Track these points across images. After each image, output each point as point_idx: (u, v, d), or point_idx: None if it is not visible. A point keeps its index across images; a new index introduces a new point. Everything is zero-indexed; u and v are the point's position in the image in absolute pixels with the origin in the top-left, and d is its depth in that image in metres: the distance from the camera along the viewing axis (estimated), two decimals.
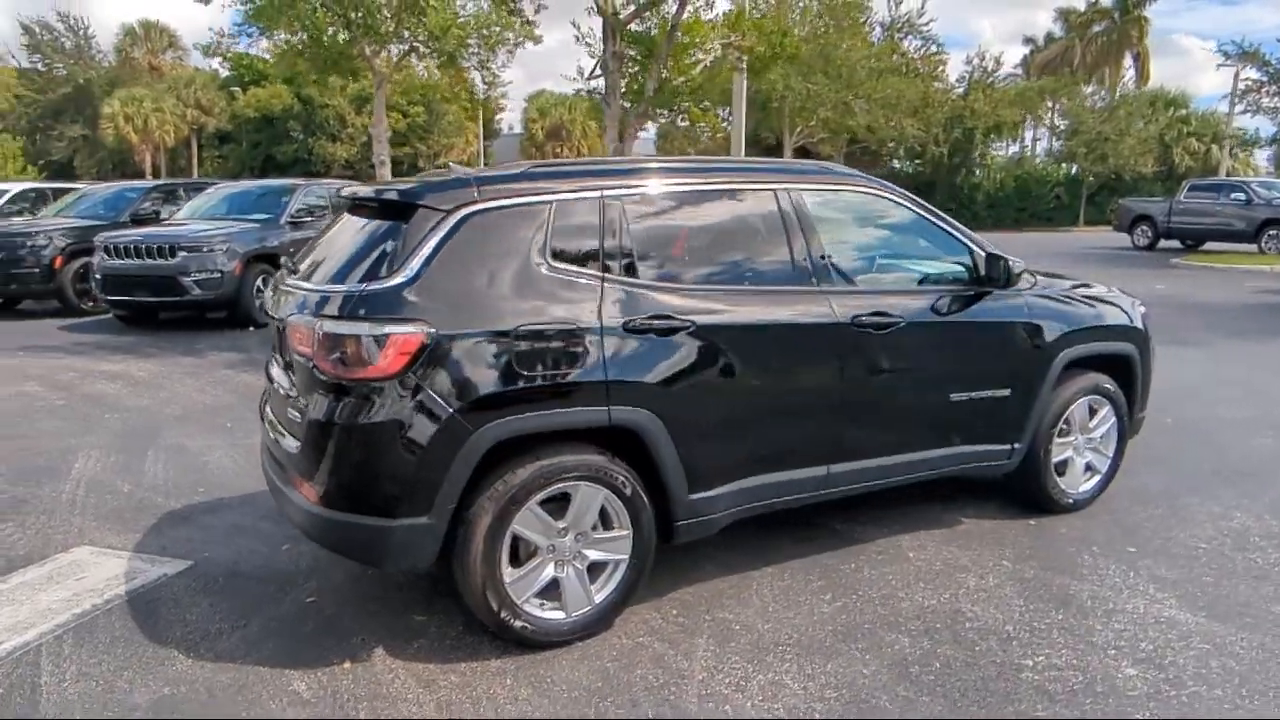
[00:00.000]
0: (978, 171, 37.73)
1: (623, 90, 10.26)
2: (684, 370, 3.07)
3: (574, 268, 2.97)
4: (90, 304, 11.09)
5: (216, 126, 46.29)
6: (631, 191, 3.16)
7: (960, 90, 35.55)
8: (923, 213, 3.79)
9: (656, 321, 3.02)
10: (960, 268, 3.81)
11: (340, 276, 2.88)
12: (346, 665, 2.92)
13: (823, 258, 3.44)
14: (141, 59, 47.35)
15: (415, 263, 2.78)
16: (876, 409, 3.59)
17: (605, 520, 3.07)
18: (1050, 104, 40.27)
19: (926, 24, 29.20)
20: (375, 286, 2.76)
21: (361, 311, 2.71)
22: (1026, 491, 4.19)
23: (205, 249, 9.68)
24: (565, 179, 3.10)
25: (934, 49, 31.99)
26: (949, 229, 3.83)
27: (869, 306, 3.45)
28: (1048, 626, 3.15)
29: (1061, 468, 4.20)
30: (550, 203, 3.00)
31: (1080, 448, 4.24)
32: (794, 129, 22.73)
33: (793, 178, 3.51)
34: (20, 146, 42.76)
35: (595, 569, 3.09)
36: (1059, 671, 2.86)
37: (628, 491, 3.02)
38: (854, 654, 2.98)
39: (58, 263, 11.01)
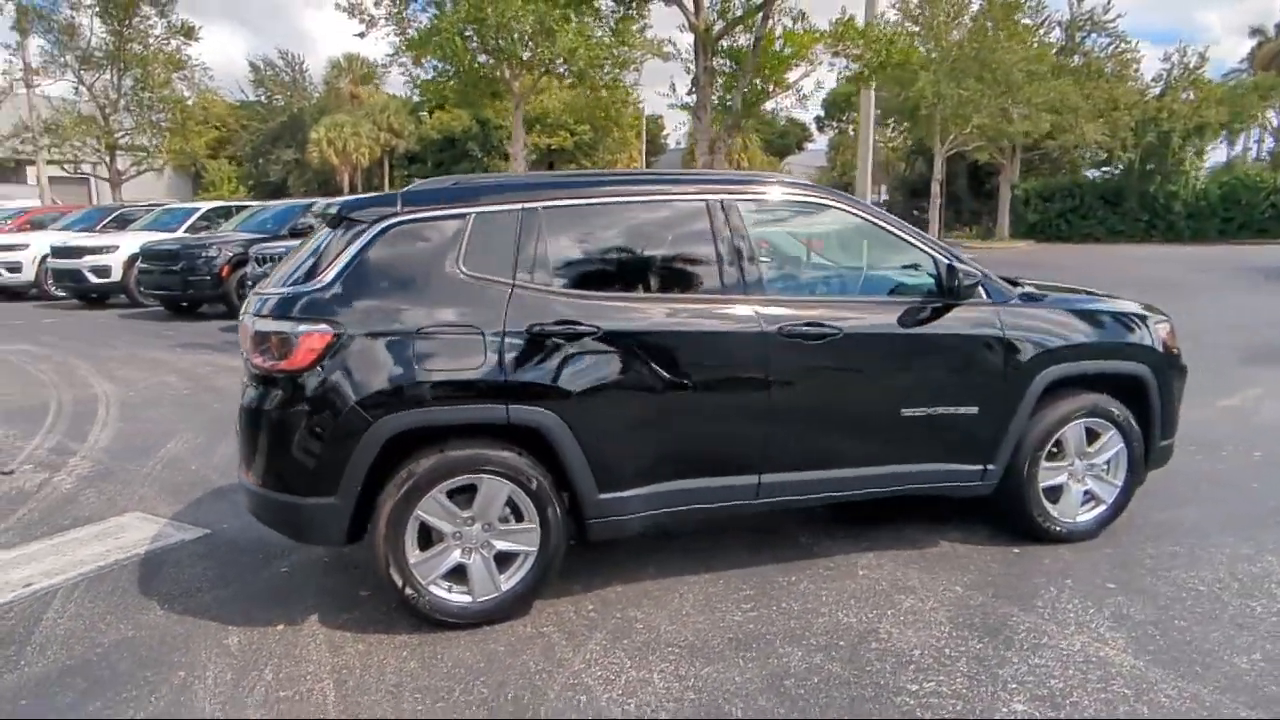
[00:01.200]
0: (1175, 178, 34.29)
1: (714, 104, 10.35)
2: (590, 374, 3.21)
3: (486, 275, 3.19)
4: None
5: (406, 148, 50.31)
6: (554, 204, 3.34)
7: (1157, 90, 32.50)
8: (882, 224, 3.70)
9: (560, 327, 3.18)
10: (922, 279, 3.68)
11: (284, 282, 3.25)
12: (280, 627, 3.28)
13: (754, 267, 3.46)
14: (344, 88, 52.34)
15: (336, 269, 3.11)
16: (812, 421, 3.54)
17: (517, 513, 3.25)
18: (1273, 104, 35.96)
19: (1113, 20, 27.02)
20: (300, 290, 3.12)
21: (284, 312, 3.07)
22: (1011, 517, 3.95)
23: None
24: (491, 193, 3.33)
25: (1123, 46, 29.55)
26: (912, 241, 3.71)
27: (801, 317, 3.43)
28: (958, 655, 3.01)
29: (1054, 494, 3.93)
30: (469, 215, 3.24)
31: (1078, 474, 3.94)
32: (946, 136, 21.72)
33: (730, 188, 3.55)
34: (234, 170, 48.40)
35: (506, 559, 3.28)
36: (939, 699, 2.75)
37: (533, 486, 3.19)
38: (737, 662, 2.99)
39: (224, 271, 12.31)
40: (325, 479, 3.05)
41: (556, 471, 3.24)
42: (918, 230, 3.79)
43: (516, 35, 14.25)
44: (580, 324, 3.20)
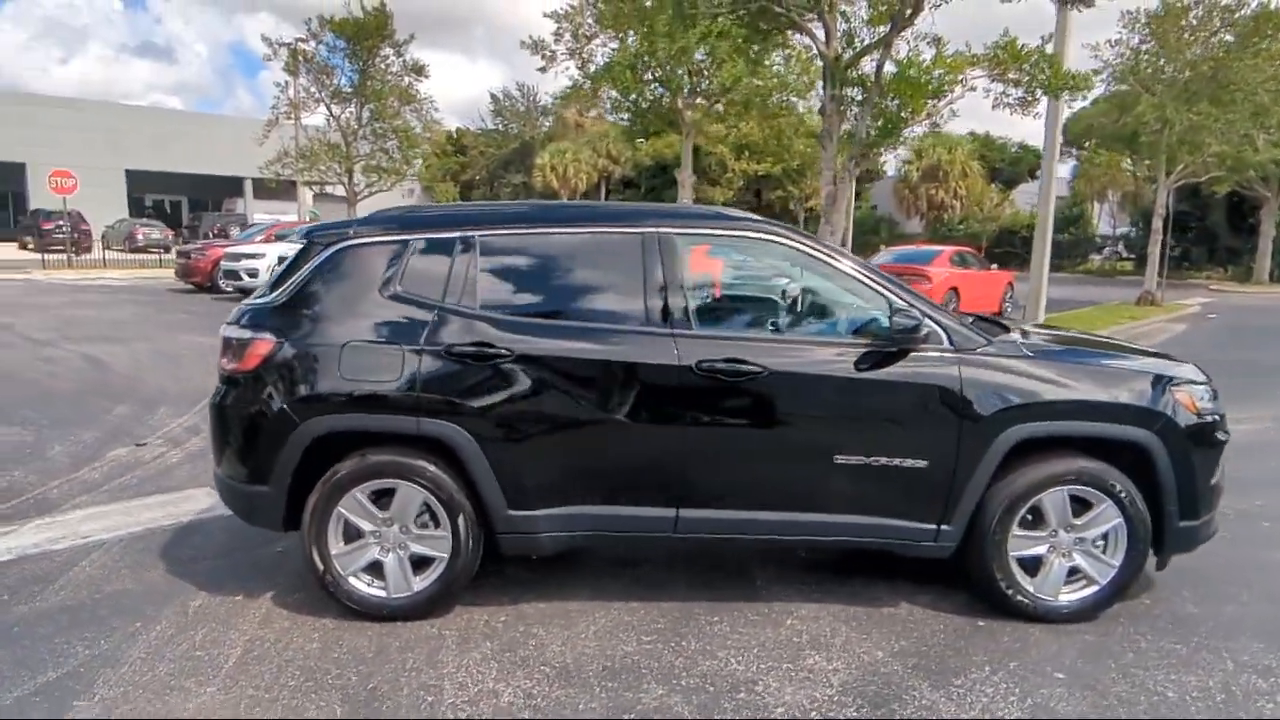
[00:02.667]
0: None
1: (840, 135, 9.96)
2: (497, 393, 3.37)
3: (418, 296, 3.46)
4: None
5: (621, 173, 52.57)
6: (489, 234, 3.55)
7: None
8: (832, 262, 3.55)
9: (474, 348, 3.37)
10: (871, 321, 3.49)
11: (258, 295, 3.71)
12: (238, 598, 3.72)
13: (681, 301, 3.46)
14: (570, 117, 55.84)
15: (291, 285, 3.52)
16: (734, 461, 3.47)
17: (435, 520, 3.48)
18: None
19: None
20: (259, 302, 3.55)
21: (242, 321, 3.52)
22: (979, 587, 3.61)
23: None
24: (434, 222, 3.61)
25: None
26: (863, 281, 3.52)
27: (723, 353, 3.38)
28: (749, 711, 2.84)
29: (1032, 566, 3.54)
30: (408, 241, 3.53)
31: (1062, 547, 3.52)
32: (1173, 165, 19.39)
33: (671, 223, 3.56)
34: (473, 193, 52.92)
35: (425, 562, 3.51)
36: None
37: (445, 496, 3.40)
38: (595, 690, 3.01)
39: None
40: (262, 470, 3.44)
41: (470, 484, 3.43)
42: (873, 271, 3.59)
43: (685, 68, 14.64)
44: (494, 346, 3.38)
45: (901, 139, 10.69)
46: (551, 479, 3.44)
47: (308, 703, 2.90)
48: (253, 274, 17.54)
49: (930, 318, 3.45)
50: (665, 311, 3.44)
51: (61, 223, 28.81)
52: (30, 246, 31.65)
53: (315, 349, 3.41)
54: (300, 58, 24.54)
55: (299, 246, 3.66)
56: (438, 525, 3.47)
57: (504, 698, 2.95)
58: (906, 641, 3.39)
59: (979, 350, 3.46)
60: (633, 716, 2.85)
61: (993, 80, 10.35)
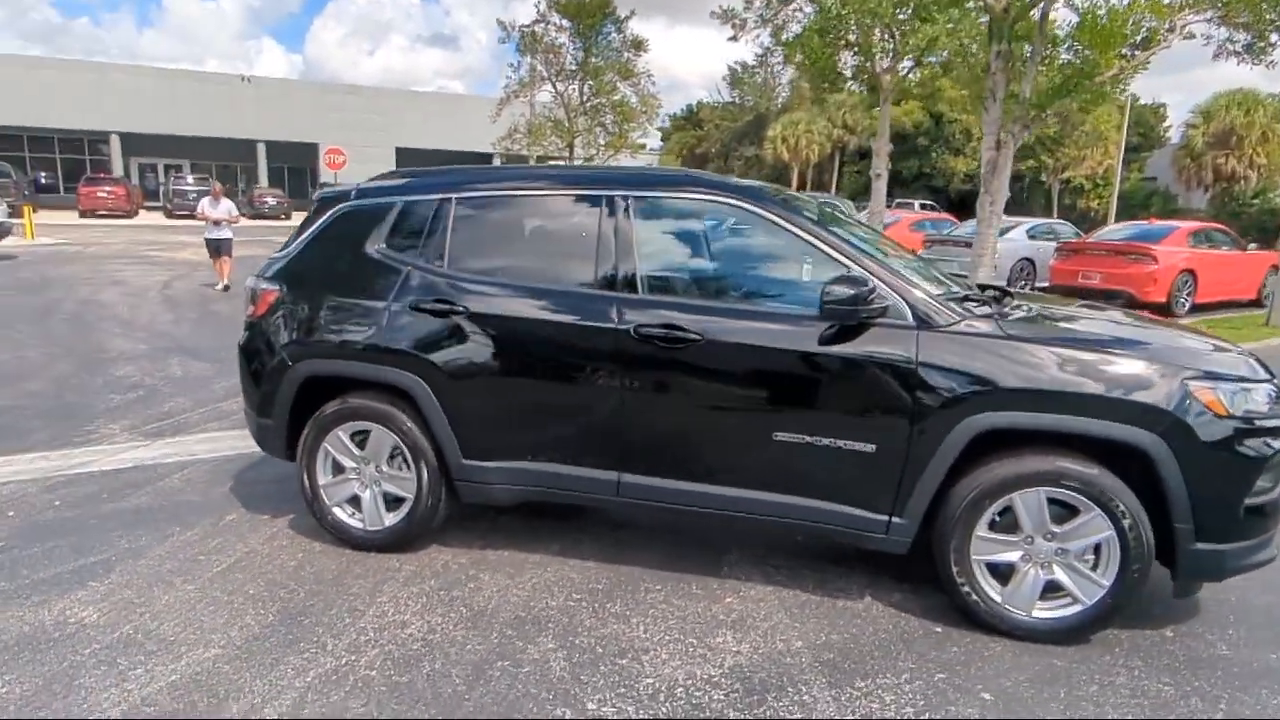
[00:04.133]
0: None
1: (1004, 94, 8.72)
2: (452, 348, 3.56)
3: (395, 255, 3.72)
4: None
5: (858, 144, 50.53)
6: (464, 196, 3.72)
7: None
8: (797, 230, 3.32)
9: (435, 304, 3.58)
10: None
11: (278, 250, 4.14)
12: (265, 516, 4.24)
13: (632, 265, 3.42)
14: (806, 87, 54.44)
15: (300, 242, 3.93)
16: (671, 429, 3.39)
17: (406, 462, 3.75)
18: None
19: None
20: (277, 256, 3.99)
21: (260, 273, 3.98)
22: (945, 589, 3.27)
23: None
24: (421, 186, 3.83)
25: None
26: (827, 251, 3.27)
27: (662, 319, 3.31)
28: (617, 677, 2.76)
29: (1002, 574, 3.15)
30: (397, 203, 3.80)
31: (1039, 557, 3.10)
32: None
33: (628, 187, 3.52)
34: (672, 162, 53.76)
35: (397, 500, 3.80)
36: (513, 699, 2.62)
37: (409, 441, 3.67)
38: (489, 635, 3.13)
39: None
40: (267, 404, 3.89)
41: (430, 432, 3.66)
42: (843, 238, 3.31)
43: (878, 30, 13.84)
44: (452, 303, 3.56)
45: (1090, 96, 9.27)
46: (501, 433, 3.57)
47: (251, 608, 3.29)
48: None
49: (893, 289, 3.15)
50: (613, 276, 3.43)
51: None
52: None
53: (309, 300, 3.78)
54: (531, 39, 26.15)
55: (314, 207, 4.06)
56: (407, 468, 3.73)
57: (407, 630, 3.16)
58: (839, 636, 3.16)
59: (946, 327, 3.10)
60: (505, 664, 2.94)
61: (1217, 24, 8.71)
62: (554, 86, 25.58)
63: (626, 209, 3.47)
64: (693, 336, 3.26)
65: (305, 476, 3.84)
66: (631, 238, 3.45)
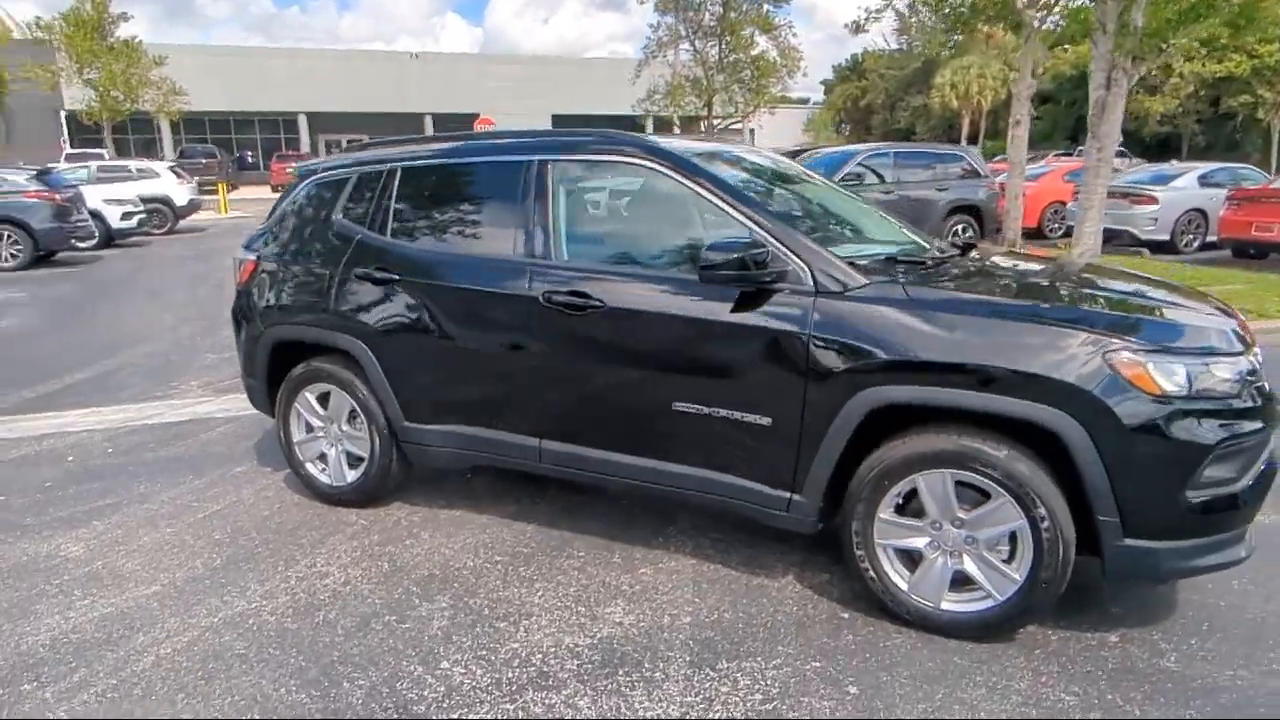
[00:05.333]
0: None
1: (1113, 27, 7.42)
2: (389, 314, 3.68)
3: (349, 224, 3.88)
4: None
5: (1039, 87, 46.37)
6: (407, 164, 3.80)
7: None
8: (706, 191, 3.13)
9: (374, 271, 3.71)
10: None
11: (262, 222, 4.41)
12: (268, 469, 4.60)
13: (546, 232, 3.38)
14: (981, 30, 50.36)
15: (276, 214, 4.18)
16: (581, 396, 3.34)
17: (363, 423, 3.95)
18: None
19: None
20: (258, 228, 4.26)
21: (245, 244, 4.27)
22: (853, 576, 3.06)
23: None
24: (375, 156, 3.95)
25: None
26: (732, 213, 3.07)
27: (569, 285, 3.26)
28: (486, 640, 2.77)
29: (910, 560, 2.91)
30: (355, 172, 3.94)
31: (947, 544, 2.82)
32: None
33: (554, 151, 3.45)
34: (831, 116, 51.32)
35: (359, 459, 4.00)
36: (455, 682, 2.69)
37: (361, 402, 3.85)
38: (394, 591, 3.26)
39: None
40: (251, 366, 4.20)
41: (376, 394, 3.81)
42: (753, 201, 3.09)
43: None
44: (388, 270, 3.67)
45: (1239, 7, 7.76)
46: (435, 398, 3.67)
47: (207, 552, 3.60)
48: None
49: (793, 253, 2.93)
50: (531, 242, 3.40)
51: None
52: None
53: (278, 269, 4.03)
54: None
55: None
56: (363, 429, 3.92)
57: (325, 580, 3.35)
58: (733, 614, 3.04)
59: (843, 294, 2.85)
60: (390, 619, 3.05)
61: None
62: (692, 45, 25.20)
63: (544, 174, 3.43)
64: (595, 303, 3.19)
65: (281, 433, 4.13)
66: (548, 203, 3.40)
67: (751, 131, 50.18)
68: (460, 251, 3.59)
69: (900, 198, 12.00)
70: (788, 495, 3.01)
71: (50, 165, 17.67)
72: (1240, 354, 2.63)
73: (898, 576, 2.91)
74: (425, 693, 2.62)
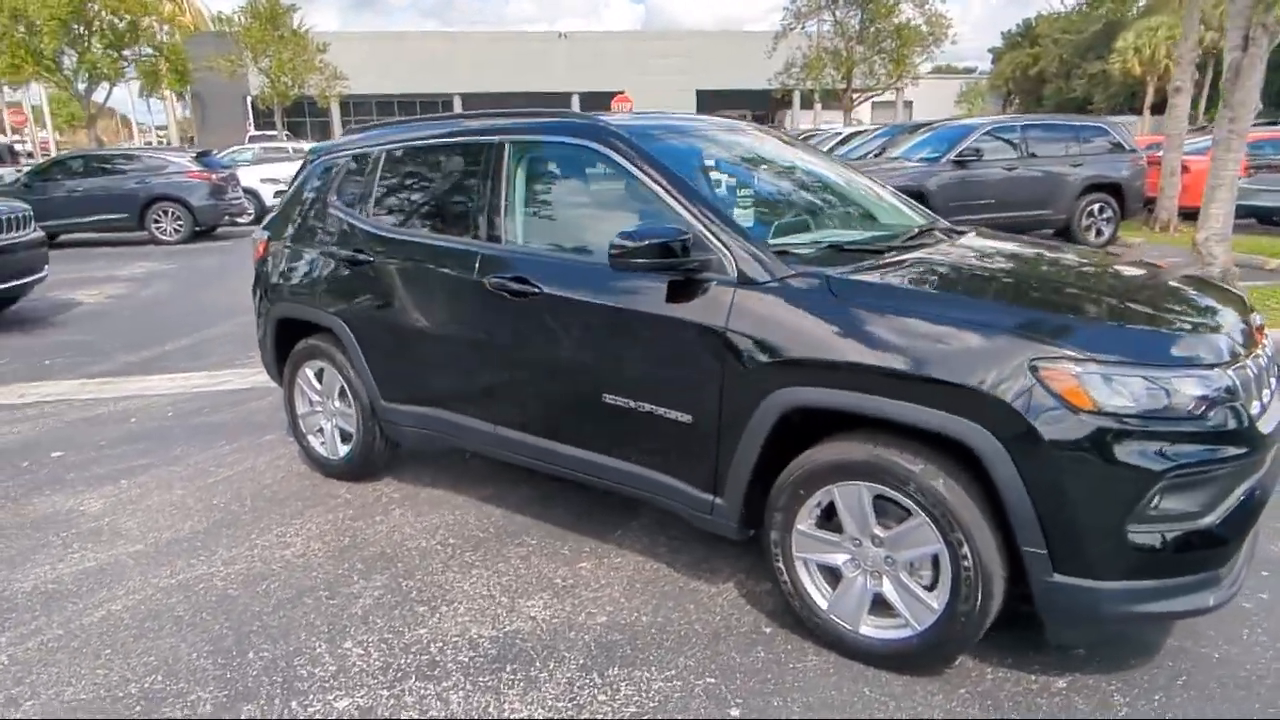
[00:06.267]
0: None
1: None
2: (365, 295, 3.75)
3: (341, 205, 3.98)
4: None
5: (1213, 49, 41.60)
6: (389, 147, 3.84)
7: None
8: (647, 177, 2.94)
9: (354, 253, 3.79)
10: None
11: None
12: (291, 439, 4.84)
13: (499, 215, 3.33)
14: None
15: (287, 195, 4.34)
16: (525, 383, 3.28)
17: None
18: None
19: None
20: (274, 209, 4.45)
21: (261, 225, 4.47)
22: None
23: None
24: (366, 138, 4.02)
25: None
26: (669, 201, 2.87)
27: (511, 271, 3.20)
28: (398, 624, 2.76)
29: (833, 577, 2.67)
30: (348, 156, 4.04)
31: (867, 563, 2.56)
32: None
33: (512, 133, 3.38)
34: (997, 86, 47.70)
35: (349, 435, 4.13)
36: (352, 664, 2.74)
37: (348, 381, 3.97)
38: (339, 567, 3.34)
39: None
40: (264, 341, 4.41)
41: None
42: (689, 186, 2.88)
43: None
44: (363, 252, 3.74)
45: None
46: (403, 378, 3.72)
47: (199, 515, 3.84)
48: None
49: (720, 242, 2.73)
50: (486, 226, 3.36)
51: None
52: None
53: (281, 249, 4.20)
54: None
55: None
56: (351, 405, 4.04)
57: (285, 551, 3.48)
58: (650, 619, 2.91)
59: (762, 285, 2.63)
60: (324, 593, 3.13)
61: None
62: (832, 14, 24.17)
63: (501, 156, 3.36)
64: (533, 289, 3.11)
65: (288, 408, 4.32)
66: (501, 186, 3.34)
67: (909, 105, 47.76)
68: (423, 234, 3.60)
69: (1023, 176, 11.06)
70: (711, 498, 2.83)
71: (208, 148, 19.30)
72: (1223, 366, 2.21)
73: (818, 594, 2.67)
74: (316, 670, 2.67)
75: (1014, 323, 2.28)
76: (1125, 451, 2.13)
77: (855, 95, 24.16)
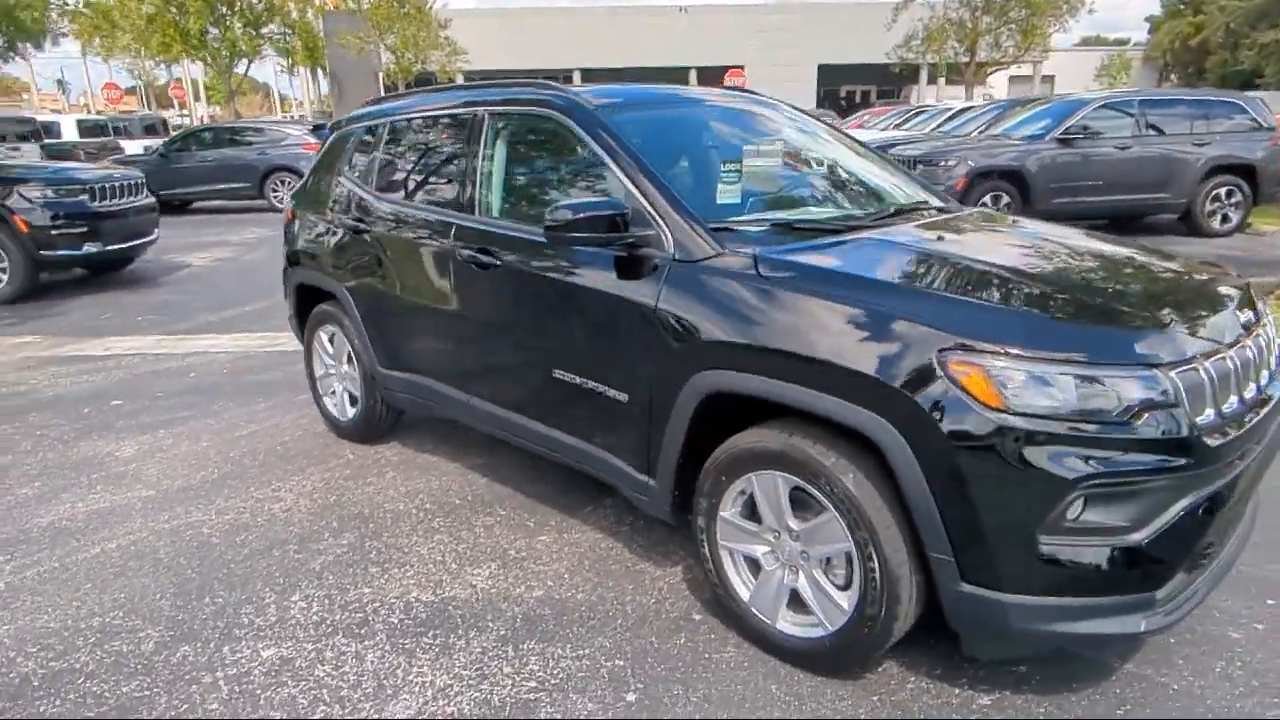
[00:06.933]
0: None
1: None
2: (362, 263, 3.87)
3: (350, 176, 4.10)
4: None
5: None
6: (394, 119, 3.92)
7: None
8: (602, 147, 2.87)
9: (355, 223, 3.91)
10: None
11: None
12: (302, 397, 5.06)
13: (473, 186, 3.35)
14: None
15: (311, 165, 4.51)
16: (489, 354, 3.30)
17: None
18: None
19: None
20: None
21: (290, 195, 4.66)
22: None
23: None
24: (375, 110, 4.11)
25: None
26: (615, 172, 2.80)
27: (479, 242, 3.23)
28: (346, 581, 2.85)
29: (755, 569, 2.58)
30: (361, 128, 4.15)
31: (785, 557, 2.46)
32: None
33: (489, 104, 3.38)
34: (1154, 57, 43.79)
35: (356, 399, 4.30)
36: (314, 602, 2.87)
37: (353, 345, 4.12)
38: (316, 525, 3.49)
39: (960, 184, 9.93)
40: (291, 302, 4.61)
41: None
42: (640, 160, 2.79)
43: None
44: (362, 222, 3.86)
45: None
46: (393, 345, 3.82)
47: (211, 466, 4.08)
48: None
49: (659, 217, 2.65)
50: (465, 196, 3.39)
51: None
52: None
53: (303, 218, 4.37)
54: None
55: None
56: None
57: (274, 505, 3.66)
58: (587, 595, 2.89)
59: (698, 262, 2.54)
60: (292, 547, 3.28)
61: None
62: None
63: (479, 127, 3.38)
64: (494, 261, 3.13)
65: (308, 368, 4.53)
66: (478, 157, 3.35)
67: (1049, 79, 44.77)
68: (412, 205, 3.67)
69: (1137, 156, 10.19)
70: (646, 480, 2.78)
71: (324, 122, 20.25)
72: (1167, 368, 1.98)
73: (741, 584, 2.59)
74: (258, 620, 2.80)
75: (928, 310, 2.11)
76: (1037, 455, 1.94)
77: (985, 69, 22.71)
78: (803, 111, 3.89)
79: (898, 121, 18.37)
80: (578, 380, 2.89)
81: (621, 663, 2.53)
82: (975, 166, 10.16)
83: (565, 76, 45.81)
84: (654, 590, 2.92)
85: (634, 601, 2.85)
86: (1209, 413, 2.02)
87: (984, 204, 10.16)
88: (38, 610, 2.89)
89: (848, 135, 3.77)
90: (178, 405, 5.02)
